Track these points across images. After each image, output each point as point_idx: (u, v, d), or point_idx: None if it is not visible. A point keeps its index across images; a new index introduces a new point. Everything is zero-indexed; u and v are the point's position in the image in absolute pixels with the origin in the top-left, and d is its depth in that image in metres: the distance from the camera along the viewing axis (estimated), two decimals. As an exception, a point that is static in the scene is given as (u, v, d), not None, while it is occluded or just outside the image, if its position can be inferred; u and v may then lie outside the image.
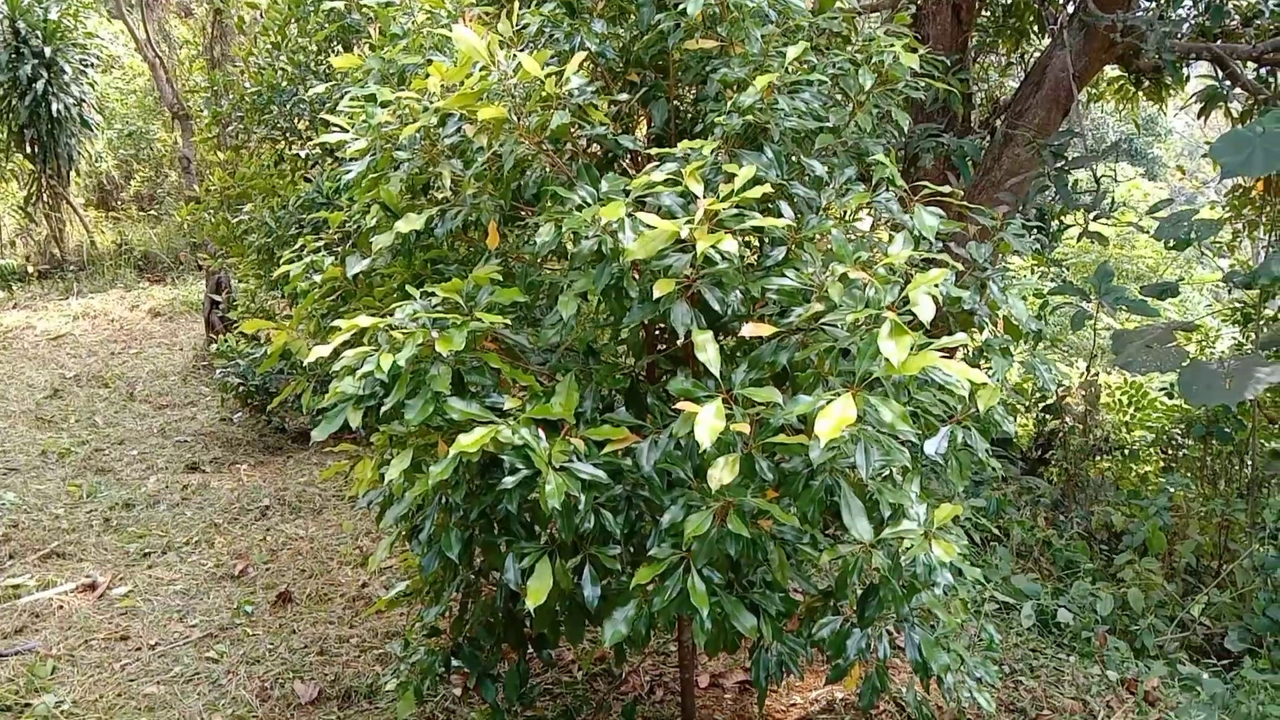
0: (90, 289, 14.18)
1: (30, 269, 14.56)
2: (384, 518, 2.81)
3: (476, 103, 2.61)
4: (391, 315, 2.72)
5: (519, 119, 2.63)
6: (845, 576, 2.61)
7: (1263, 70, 7.60)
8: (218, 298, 10.46)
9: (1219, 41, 7.41)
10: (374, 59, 3.37)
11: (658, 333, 3.27)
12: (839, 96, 2.96)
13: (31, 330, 11.96)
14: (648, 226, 2.43)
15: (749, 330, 2.39)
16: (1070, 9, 7.08)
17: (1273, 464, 6.86)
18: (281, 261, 3.94)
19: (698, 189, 2.45)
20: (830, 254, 2.59)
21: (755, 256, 2.88)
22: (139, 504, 6.77)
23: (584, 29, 3.00)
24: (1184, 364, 6.19)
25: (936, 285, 2.35)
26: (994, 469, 2.81)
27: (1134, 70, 8.45)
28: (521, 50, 3.01)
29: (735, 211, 2.44)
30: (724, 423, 2.24)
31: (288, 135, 8.36)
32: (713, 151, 2.58)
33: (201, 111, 8.87)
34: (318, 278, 3.30)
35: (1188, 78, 8.73)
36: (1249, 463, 7.12)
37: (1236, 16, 7.75)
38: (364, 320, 2.57)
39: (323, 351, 2.68)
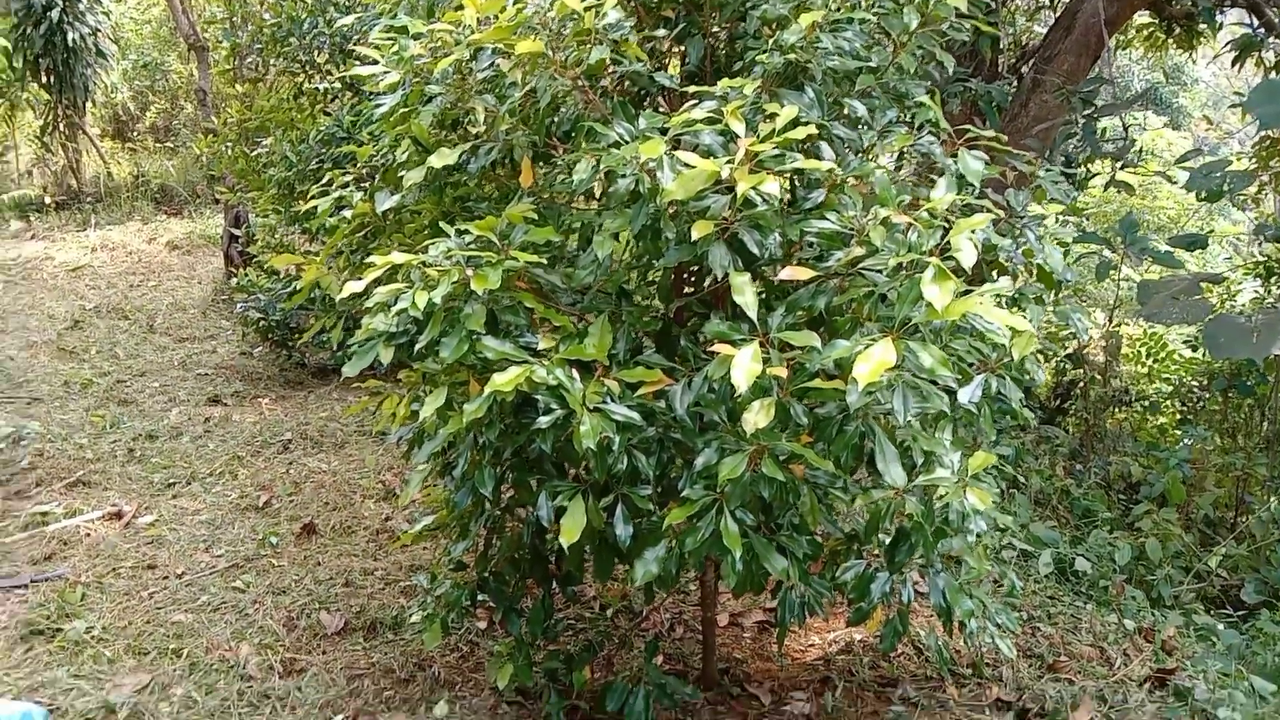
0: (107, 221, 14.16)
1: (48, 199, 14.54)
2: (417, 454, 2.83)
3: (512, 36, 2.57)
4: (425, 252, 2.71)
5: (555, 54, 2.58)
6: (876, 521, 2.62)
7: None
8: (236, 232, 10.45)
9: (1254, -13, 7.22)
10: (404, -10, 3.31)
11: (686, 275, 3.24)
12: (879, 36, 2.90)
13: (50, 261, 11.99)
14: (686, 166, 2.40)
15: (787, 274, 2.37)
16: (1107, -50, 6.88)
17: (1294, 417, 6.83)
18: (307, 196, 3.91)
19: (739, 128, 2.41)
20: (871, 197, 2.56)
21: (789, 198, 2.84)
22: (162, 435, 6.83)
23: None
24: (1210, 317, 6.14)
25: (974, 231, 2.31)
26: (1027, 419, 2.80)
27: (1166, 17, 8.26)
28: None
29: (776, 153, 2.40)
30: (760, 366, 2.23)
31: (307, 68, 8.27)
32: (754, 90, 2.53)
33: (221, 43, 8.75)
34: (347, 214, 3.28)
35: (1220, 25, 8.52)
36: (1269, 417, 7.10)
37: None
38: (398, 256, 2.55)
39: (356, 288, 2.67)
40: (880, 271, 2.41)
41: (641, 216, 2.50)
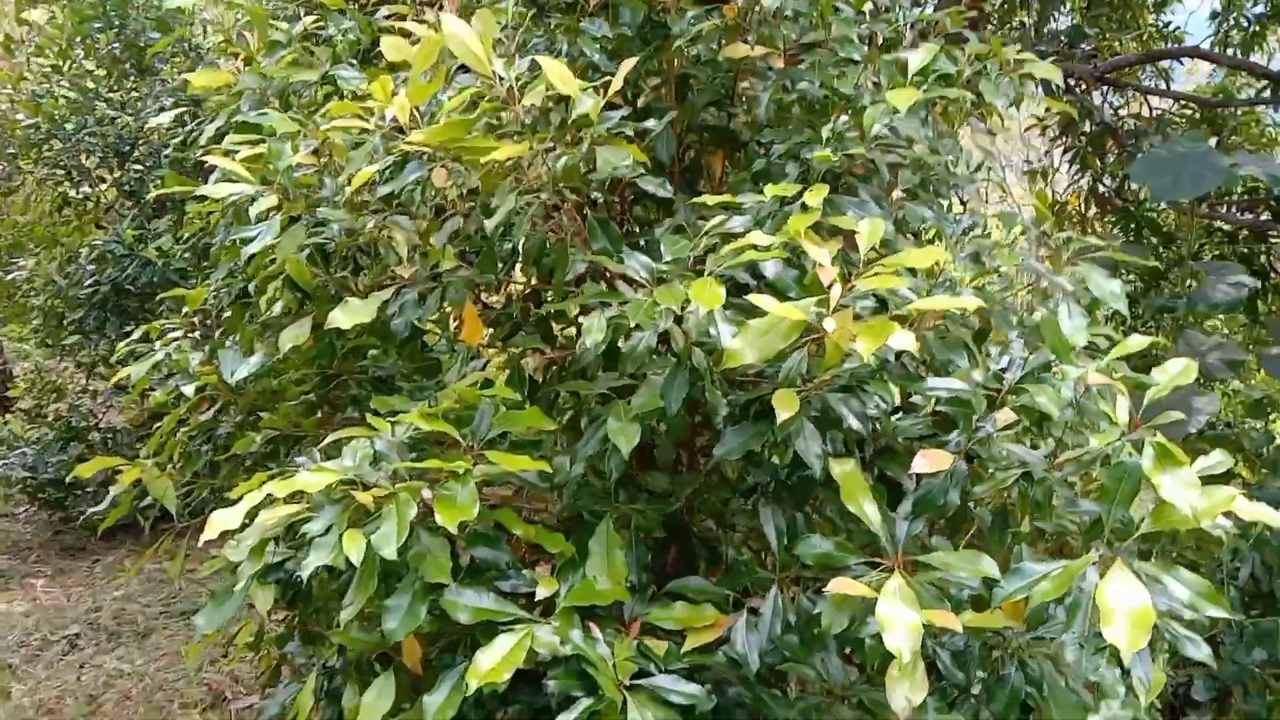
0: None
1: None
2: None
3: (467, 136, 1.72)
4: (327, 453, 1.80)
5: (543, 161, 1.74)
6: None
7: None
8: (-11, 369, 8.78)
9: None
10: (250, 76, 2.39)
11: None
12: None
13: None
14: (747, 313, 1.62)
15: (922, 465, 1.61)
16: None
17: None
18: (113, 353, 2.88)
19: (821, 255, 1.65)
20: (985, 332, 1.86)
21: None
22: (-98, 647, 5.31)
23: (570, 31, 2.16)
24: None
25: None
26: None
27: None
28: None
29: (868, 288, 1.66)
30: (919, 619, 1.46)
31: (72, 175, 6.99)
32: (817, 200, 1.79)
33: (-41, 147, 7.31)
34: (187, 389, 2.29)
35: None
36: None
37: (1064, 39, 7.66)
38: (307, 478, 1.62)
39: (228, 522, 1.70)
40: (1028, 444, 1.70)
41: (677, 387, 1.69)
